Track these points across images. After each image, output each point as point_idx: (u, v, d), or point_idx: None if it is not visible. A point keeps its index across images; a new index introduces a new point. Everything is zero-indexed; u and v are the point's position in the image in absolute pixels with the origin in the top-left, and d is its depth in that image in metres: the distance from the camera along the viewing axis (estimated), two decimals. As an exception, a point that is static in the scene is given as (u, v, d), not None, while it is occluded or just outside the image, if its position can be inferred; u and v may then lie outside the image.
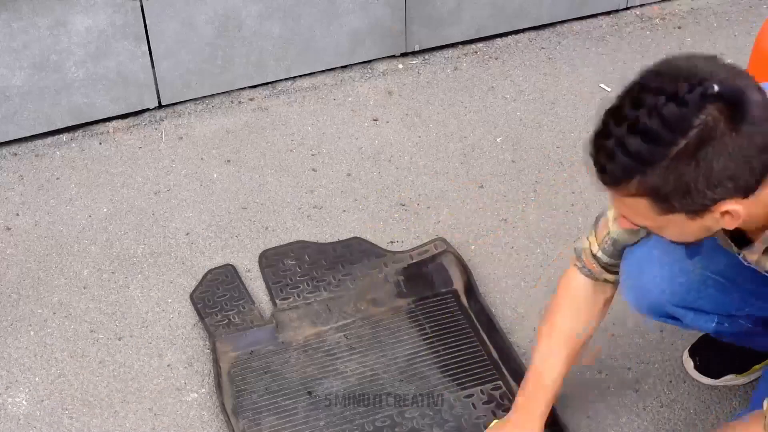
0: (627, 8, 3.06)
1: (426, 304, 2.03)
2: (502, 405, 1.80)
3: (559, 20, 2.99)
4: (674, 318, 1.61)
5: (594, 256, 1.60)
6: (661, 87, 1.10)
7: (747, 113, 1.09)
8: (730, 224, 1.19)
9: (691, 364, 1.88)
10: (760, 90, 1.12)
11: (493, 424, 1.71)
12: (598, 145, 1.16)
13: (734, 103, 1.09)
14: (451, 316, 2.00)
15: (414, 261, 2.11)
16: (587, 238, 1.61)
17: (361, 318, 2.01)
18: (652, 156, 1.11)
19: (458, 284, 2.06)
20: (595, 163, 1.17)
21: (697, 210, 1.16)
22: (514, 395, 1.80)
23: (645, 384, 1.87)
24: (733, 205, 1.15)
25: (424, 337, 1.96)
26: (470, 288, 2.05)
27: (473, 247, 2.20)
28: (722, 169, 1.11)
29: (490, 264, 2.15)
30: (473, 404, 1.81)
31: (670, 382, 1.87)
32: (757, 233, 1.30)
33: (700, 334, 1.89)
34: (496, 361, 1.89)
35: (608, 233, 1.56)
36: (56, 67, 2.47)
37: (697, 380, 1.87)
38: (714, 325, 1.61)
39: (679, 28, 3.00)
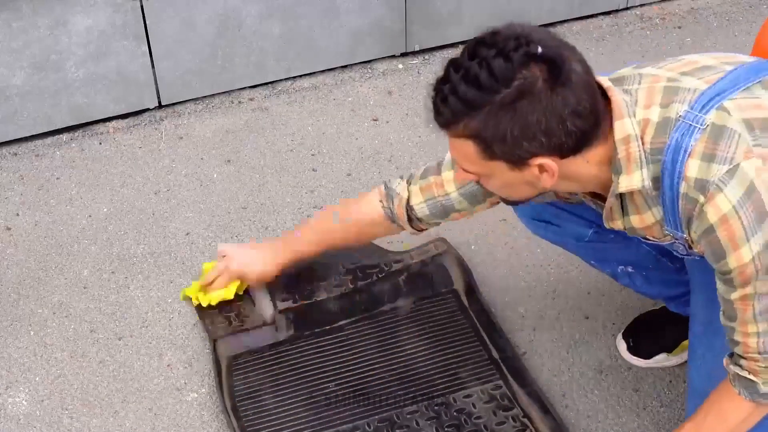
0: (627, 8, 3.06)
1: (426, 304, 2.03)
2: (502, 405, 1.80)
3: (559, 20, 2.99)
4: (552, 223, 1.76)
5: (409, 207, 1.72)
6: (494, 43, 1.24)
7: (564, 76, 1.21)
8: (548, 181, 1.31)
9: (624, 346, 1.92)
10: (583, 63, 1.25)
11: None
12: (437, 89, 1.28)
13: (553, 65, 1.21)
14: (451, 316, 2.00)
15: (414, 261, 2.11)
16: (408, 185, 1.73)
17: (361, 318, 2.01)
18: (477, 101, 1.23)
19: (458, 284, 2.06)
20: (433, 105, 1.30)
21: (515, 161, 1.28)
22: (514, 395, 1.81)
23: (645, 384, 1.87)
24: (547, 160, 1.27)
25: (424, 337, 1.96)
26: (470, 288, 2.05)
27: (473, 247, 2.20)
28: (536, 123, 1.22)
29: (490, 264, 2.15)
30: (473, 404, 1.81)
31: (670, 382, 1.87)
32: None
33: (634, 318, 1.94)
34: (496, 361, 1.89)
35: (447, 194, 1.68)
36: (56, 67, 2.47)
37: (629, 362, 1.89)
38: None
39: (679, 28, 3.00)
